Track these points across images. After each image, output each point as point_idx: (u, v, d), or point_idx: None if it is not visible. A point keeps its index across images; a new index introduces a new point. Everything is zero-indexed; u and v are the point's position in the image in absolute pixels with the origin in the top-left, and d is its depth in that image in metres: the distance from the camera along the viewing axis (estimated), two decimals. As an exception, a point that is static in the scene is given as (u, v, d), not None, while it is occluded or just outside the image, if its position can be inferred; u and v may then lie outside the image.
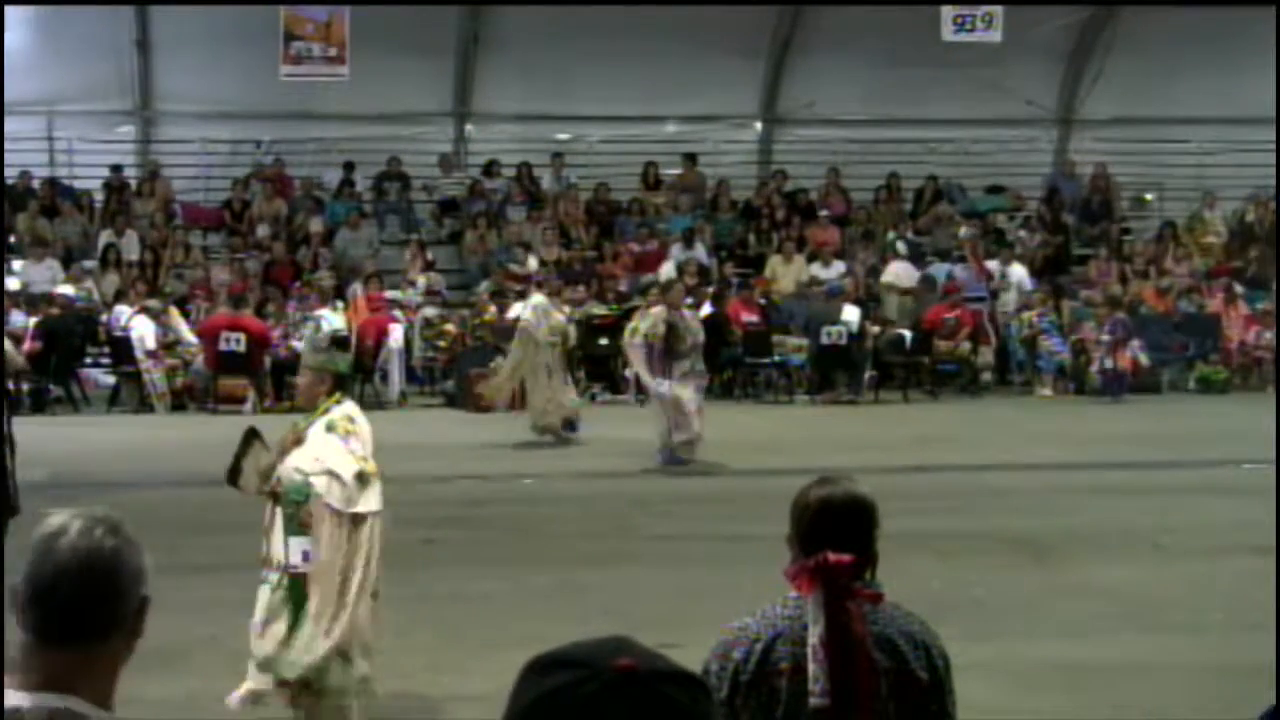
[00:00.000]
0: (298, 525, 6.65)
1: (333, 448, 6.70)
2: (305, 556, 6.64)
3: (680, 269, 22.11)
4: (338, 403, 6.90)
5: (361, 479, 6.64)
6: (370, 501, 6.70)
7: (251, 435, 7.12)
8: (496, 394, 18.09)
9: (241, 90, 24.94)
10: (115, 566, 2.59)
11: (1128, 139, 26.75)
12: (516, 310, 18.79)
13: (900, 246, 23.81)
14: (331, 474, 6.61)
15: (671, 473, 14.74)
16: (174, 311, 20.61)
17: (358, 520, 6.64)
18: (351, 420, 6.83)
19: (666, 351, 14.96)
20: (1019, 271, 23.28)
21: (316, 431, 6.78)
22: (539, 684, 1.82)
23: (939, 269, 23.55)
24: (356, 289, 21.75)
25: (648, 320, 15.25)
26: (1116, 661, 8.25)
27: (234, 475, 7.08)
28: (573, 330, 18.38)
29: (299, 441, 6.79)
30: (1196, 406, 20.30)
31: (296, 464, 6.69)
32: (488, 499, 13.45)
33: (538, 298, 17.72)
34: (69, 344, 20.15)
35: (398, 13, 24.39)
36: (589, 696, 1.78)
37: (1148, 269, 24.08)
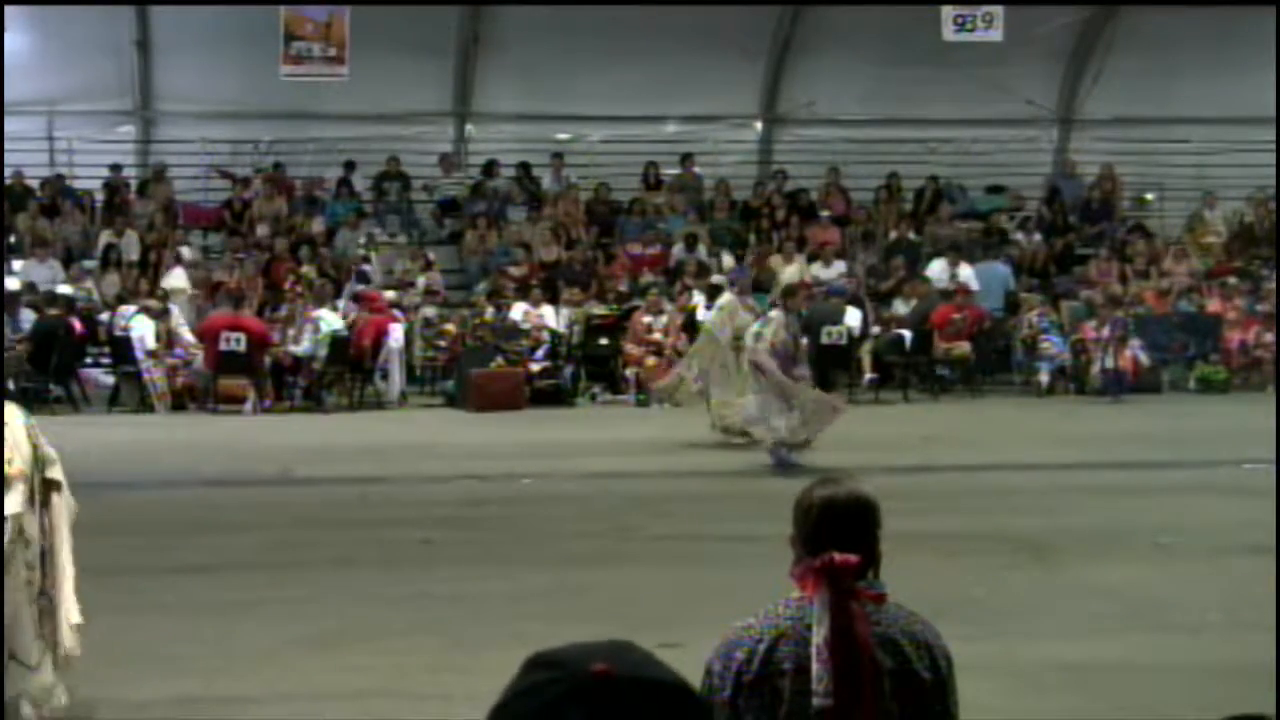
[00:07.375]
0: None
1: None
2: None
3: (681, 267, 22.00)
4: None
5: None
6: (10, 504, 6.50)
7: None
8: (673, 390, 17.23)
9: (241, 90, 24.95)
10: None
11: (1128, 139, 26.74)
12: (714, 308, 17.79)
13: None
14: None
15: (671, 473, 14.71)
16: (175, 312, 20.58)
17: None
18: None
19: (792, 357, 14.56)
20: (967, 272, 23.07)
21: None
22: (520, 680, 1.82)
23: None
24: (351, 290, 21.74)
25: (770, 325, 14.66)
26: (1116, 661, 8.23)
27: None
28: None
29: None
30: (1196, 406, 20.26)
31: None
32: (487, 499, 13.41)
33: (726, 297, 17.14)
34: (68, 344, 20.12)
35: (398, 13, 24.39)
36: (555, 697, 1.77)
37: (1148, 269, 24.07)
